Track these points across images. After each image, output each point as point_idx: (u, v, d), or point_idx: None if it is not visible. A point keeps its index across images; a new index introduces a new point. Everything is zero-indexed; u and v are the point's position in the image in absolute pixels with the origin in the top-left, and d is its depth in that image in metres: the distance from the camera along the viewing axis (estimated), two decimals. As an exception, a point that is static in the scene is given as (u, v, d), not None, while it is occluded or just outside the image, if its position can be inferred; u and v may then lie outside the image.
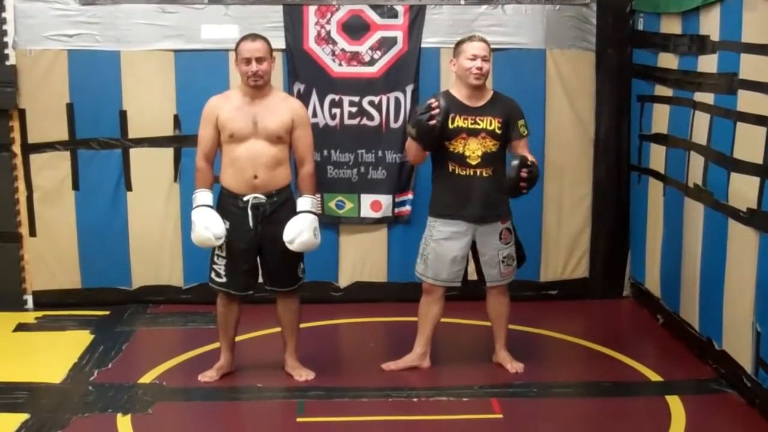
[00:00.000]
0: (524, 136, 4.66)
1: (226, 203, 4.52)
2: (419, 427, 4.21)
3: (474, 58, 4.52)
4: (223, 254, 4.52)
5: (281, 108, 4.50)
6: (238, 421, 4.36)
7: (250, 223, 4.48)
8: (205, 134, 4.52)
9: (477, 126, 4.57)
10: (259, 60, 4.40)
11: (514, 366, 4.77)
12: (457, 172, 4.60)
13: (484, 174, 4.59)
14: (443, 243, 4.64)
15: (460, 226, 4.63)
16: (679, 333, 5.17)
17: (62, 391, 4.55)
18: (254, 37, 4.49)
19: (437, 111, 4.43)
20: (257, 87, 4.44)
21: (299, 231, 4.43)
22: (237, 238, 4.48)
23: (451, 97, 4.61)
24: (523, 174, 4.41)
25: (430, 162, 4.73)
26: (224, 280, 4.56)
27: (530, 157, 4.52)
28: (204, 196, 4.48)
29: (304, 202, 4.51)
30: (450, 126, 4.56)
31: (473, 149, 4.57)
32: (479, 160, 4.58)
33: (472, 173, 4.59)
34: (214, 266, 4.57)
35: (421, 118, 4.44)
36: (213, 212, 4.45)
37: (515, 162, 4.44)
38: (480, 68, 4.52)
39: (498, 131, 4.59)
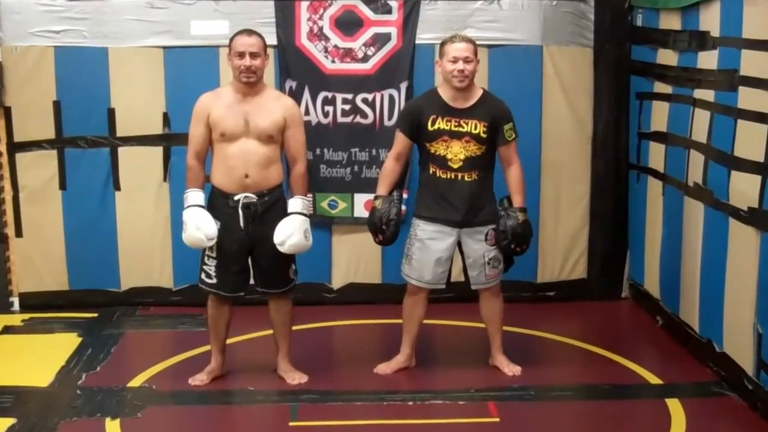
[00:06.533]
0: (510, 141, 4.55)
1: (217, 203, 4.47)
2: (414, 431, 4.15)
3: (455, 60, 4.44)
4: (214, 255, 4.48)
5: (273, 106, 4.45)
6: (229, 426, 4.31)
7: (241, 223, 4.43)
8: (196, 132, 4.47)
9: (461, 129, 4.49)
10: (253, 55, 4.35)
11: (511, 369, 4.72)
12: (437, 174, 4.54)
13: (466, 178, 4.51)
14: (427, 243, 4.58)
15: (443, 226, 4.57)
16: (678, 335, 5.13)
17: (50, 395, 4.51)
18: (250, 32, 4.45)
19: (377, 240, 4.69)
20: (250, 83, 4.39)
21: (290, 233, 4.39)
22: (228, 238, 4.43)
23: (436, 97, 4.54)
24: (512, 250, 4.54)
25: (424, 162, 4.68)
26: (215, 281, 4.51)
27: (516, 203, 4.57)
28: (195, 196, 4.43)
29: (295, 204, 4.47)
30: (430, 128, 4.51)
31: (455, 152, 4.50)
32: (461, 163, 4.50)
33: (453, 177, 4.52)
34: (205, 267, 4.52)
35: (370, 224, 4.66)
36: (205, 212, 4.40)
37: (498, 238, 4.53)
38: (462, 71, 4.43)
39: (483, 135, 4.49)
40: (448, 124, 4.50)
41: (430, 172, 4.56)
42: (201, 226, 4.36)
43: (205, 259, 4.50)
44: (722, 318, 4.53)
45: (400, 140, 4.63)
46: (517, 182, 4.59)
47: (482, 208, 4.56)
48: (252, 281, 4.60)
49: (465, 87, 4.47)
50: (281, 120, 4.43)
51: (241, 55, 4.34)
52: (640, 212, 5.71)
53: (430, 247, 4.57)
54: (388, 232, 4.59)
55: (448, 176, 4.52)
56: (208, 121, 4.41)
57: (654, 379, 4.67)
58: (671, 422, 4.15)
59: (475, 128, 4.49)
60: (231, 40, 4.44)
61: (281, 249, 4.39)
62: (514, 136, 4.57)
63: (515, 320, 5.08)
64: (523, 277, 5.60)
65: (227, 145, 4.40)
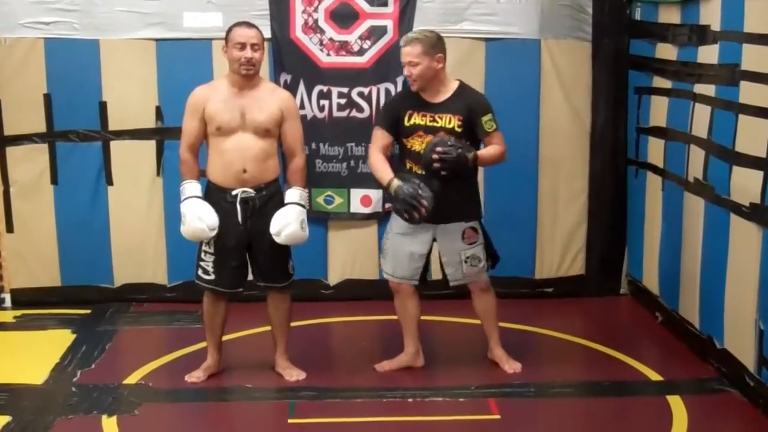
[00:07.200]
0: (491, 132, 4.42)
1: (215, 198, 4.41)
2: (414, 429, 4.14)
3: (404, 65, 4.42)
4: (211, 251, 4.43)
5: (270, 100, 4.41)
6: (227, 423, 4.27)
7: (239, 218, 4.38)
8: (189, 126, 4.42)
9: (435, 124, 4.42)
10: (254, 47, 4.30)
11: (511, 365, 4.69)
12: (414, 170, 4.45)
13: (442, 173, 4.40)
14: (400, 238, 4.53)
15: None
16: (678, 331, 5.10)
17: (44, 393, 4.47)
18: (249, 24, 4.40)
19: (421, 214, 4.29)
20: (248, 76, 4.33)
21: (285, 223, 4.36)
22: (226, 233, 4.38)
23: (413, 92, 4.47)
24: (435, 156, 4.25)
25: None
26: (212, 277, 4.46)
27: (495, 147, 4.37)
28: (193, 187, 4.38)
29: (292, 194, 4.43)
30: (406, 123, 4.45)
31: None
32: None
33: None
34: (201, 263, 4.47)
35: (404, 202, 4.30)
36: (204, 202, 4.35)
37: (433, 140, 4.31)
38: (409, 75, 4.40)
39: (458, 129, 4.40)
40: (423, 118, 4.43)
41: (407, 167, 4.48)
42: (202, 217, 4.31)
43: (202, 255, 4.45)
44: (723, 314, 4.51)
45: (379, 136, 4.53)
46: (493, 148, 4.42)
47: (459, 205, 4.46)
48: (251, 277, 4.55)
49: (420, 89, 4.41)
50: (278, 113, 4.39)
51: (242, 46, 4.28)
52: (639, 208, 5.69)
53: (404, 241, 4.52)
54: (427, 198, 4.29)
55: (424, 172, 4.42)
56: (204, 114, 4.36)
57: (655, 376, 4.65)
58: (673, 419, 4.13)
59: (449, 122, 4.41)
60: (229, 31, 4.38)
61: (277, 239, 4.35)
62: (494, 126, 4.42)
63: (513, 317, 5.05)
64: (521, 273, 5.57)
65: (223, 140, 4.35)
